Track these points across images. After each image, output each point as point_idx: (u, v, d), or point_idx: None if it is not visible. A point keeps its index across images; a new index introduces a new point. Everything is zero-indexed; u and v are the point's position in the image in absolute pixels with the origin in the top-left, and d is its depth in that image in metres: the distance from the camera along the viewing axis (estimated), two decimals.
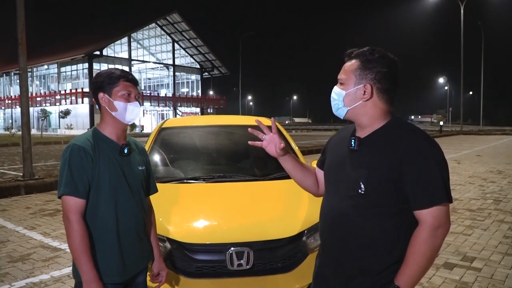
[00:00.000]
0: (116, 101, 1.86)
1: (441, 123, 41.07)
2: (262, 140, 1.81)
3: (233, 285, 2.48)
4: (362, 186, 1.50)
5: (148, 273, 2.07)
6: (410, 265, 1.45)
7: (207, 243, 2.52)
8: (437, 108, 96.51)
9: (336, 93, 1.60)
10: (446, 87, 72.86)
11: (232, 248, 2.46)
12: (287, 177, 3.43)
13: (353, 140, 1.58)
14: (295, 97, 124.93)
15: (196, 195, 3.09)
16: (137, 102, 1.91)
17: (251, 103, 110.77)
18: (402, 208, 1.49)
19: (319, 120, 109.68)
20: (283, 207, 2.96)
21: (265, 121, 4.24)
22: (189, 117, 5.88)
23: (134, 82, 1.92)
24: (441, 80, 71.67)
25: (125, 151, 1.90)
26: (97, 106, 1.92)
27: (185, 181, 3.30)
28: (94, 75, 1.96)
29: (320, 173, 1.83)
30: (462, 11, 38.84)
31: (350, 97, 1.56)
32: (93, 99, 1.94)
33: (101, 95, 1.88)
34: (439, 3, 40.92)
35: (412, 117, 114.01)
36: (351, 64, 1.57)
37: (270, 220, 2.75)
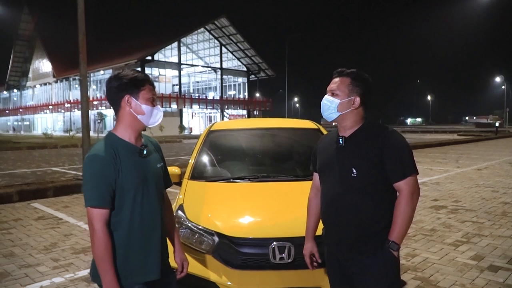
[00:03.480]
0: (144, 104, 1.87)
1: (497, 124, 39.03)
2: None
3: (275, 277, 2.66)
4: (354, 171, 1.98)
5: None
6: (399, 223, 1.94)
7: (252, 237, 2.72)
8: (494, 109, 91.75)
9: (329, 101, 2.06)
10: (503, 87, 69.16)
11: (274, 243, 2.64)
12: None
13: (340, 139, 2.06)
14: None
15: (241, 194, 3.30)
16: (159, 106, 1.95)
17: (297, 105, 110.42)
18: (385, 185, 1.98)
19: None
20: None
21: (308, 124, 4.42)
22: (236, 120, 6.14)
23: (154, 86, 1.96)
24: (498, 79, 68.16)
25: (144, 152, 1.90)
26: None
27: (231, 180, 3.53)
28: (111, 78, 1.92)
29: (318, 176, 2.27)
30: None
31: (343, 105, 2.03)
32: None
33: (126, 97, 1.85)
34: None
35: (467, 118, 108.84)
36: (342, 80, 2.05)
37: None
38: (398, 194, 1.98)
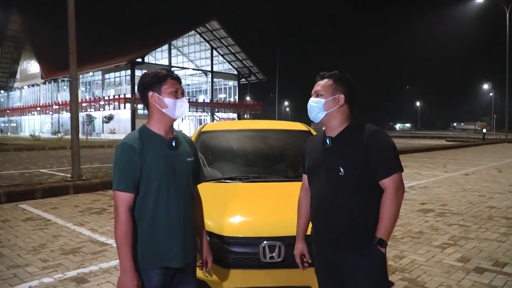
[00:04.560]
0: (166, 98, 1.99)
1: (484, 130, 39.55)
2: None
3: (266, 276, 2.69)
4: (342, 169, 2.03)
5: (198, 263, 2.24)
6: (385, 220, 1.99)
7: (243, 236, 2.75)
8: (481, 115, 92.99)
9: (315, 101, 2.13)
10: (491, 94, 70.20)
11: (265, 242, 2.67)
12: None
13: (328, 140, 2.11)
14: None
15: (232, 193, 3.33)
16: (184, 98, 2.05)
17: (287, 109, 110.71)
18: (372, 183, 2.03)
19: None
20: None
21: (298, 126, 4.48)
22: (227, 122, 6.14)
23: (179, 80, 2.05)
24: (485, 86, 69.18)
25: (173, 144, 2.01)
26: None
27: (222, 180, 3.56)
28: (139, 78, 2.08)
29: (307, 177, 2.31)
30: (507, 15, 37.52)
31: (329, 104, 2.10)
32: (139, 99, 2.16)
33: (150, 93, 1.99)
34: (484, 8, 39.70)
35: (455, 124, 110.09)
36: (326, 81, 2.13)
37: None
38: (384, 191, 2.03)
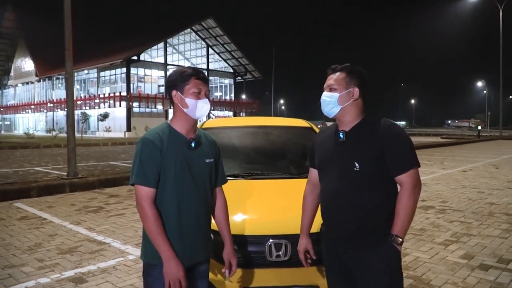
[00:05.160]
0: (188, 98, 1.98)
1: (479, 127, 39.73)
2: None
3: (272, 275, 2.61)
4: (357, 165, 1.96)
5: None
6: (401, 216, 1.92)
7: (248, 234, 2.67)
8: (475, 113, 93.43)
9: (329, 96, 2.05)
10: (484, 91, 70.49)
11: (270, 240, 2.60)
12: None
13: (341, 133, 2.03)
14: None
15: (236, 191, 3.23)
16: (207, 99, 2.02)
17: (283, 107, 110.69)
18: (386, 178, 1.96)
19: None
20: None
21: (300, 122, 4.40)
22: (228, 118, 6.04)
23: (205, 80, 2.02)
24: (479, 84, 69.41)
25: (192, 145, 2.00)
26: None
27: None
28: (167, 76, 2.07)
29: (315, 171, 2.22)
30: (501, 13, 37.64)
31: (343, 98, 2.02)
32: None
33: (174, 92, 2.00)
34: (478, 5, 39.78)
35: (449, 121, 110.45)
36: (338, 75, 2.05)
37: None
38: (399, 187, 1.97)
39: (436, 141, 29.31)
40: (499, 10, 37.78)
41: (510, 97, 66.07)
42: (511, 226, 5.75)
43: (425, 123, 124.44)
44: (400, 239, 1.93)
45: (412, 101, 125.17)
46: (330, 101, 2.04)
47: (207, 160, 2.07)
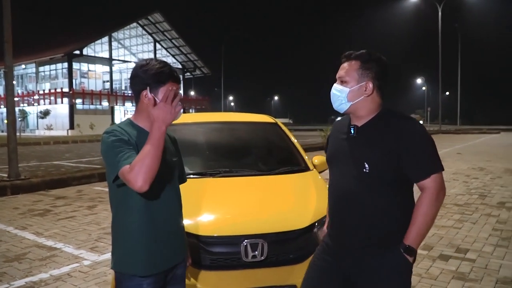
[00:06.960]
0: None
1: (421, 122, 41.75)
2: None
3: (248, 276, 2.50)
4: (367, 165, 1.73)
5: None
6: (418, 225, 1.70)
7: (222, 235, 2.54)
8: (415, 108, 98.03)
9: (338, 90, 1.81)
10: (424, 88, 74.21)
11: (246, 240, 2.48)
12: (292, 171, 3.49)
13: (352, 129, 1.82)
14: (276, 98, 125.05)
15: (205, 190, 3.09)
16: (180, 102, 1.82)
17: (232, 104, 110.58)
18: (399, 182, 1.75)
19: (300, 120, 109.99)
20: (294, 200, 3.00)
21: (265, 118, 4.32)
22: (191, 114, 5.77)
23: (179, 81, 1.86)
24: (419, 80, 72.95)
25: None
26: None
27: (191, 176, 3.27)
28: (137, 67, 1.81)
29: None
30: (440, 12, 39.66)
31: (354, 93, 1.78)
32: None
33: (144, 92, 1.78)
34: (417, 5, 41.65)
35: None
36: (352, 64, 1.79)
37: (282, 212, 2.78)
38: (421, 192, 1.74)
39: None
40: (438, 10, 39.77)
41: (447, 93, 69.97)
42: (463, 217, 6.01)
43: None
44: (413, 251, 1.72)
45: None
46: (340, 96, 1.81)
47: (174, 159, 1.96)
